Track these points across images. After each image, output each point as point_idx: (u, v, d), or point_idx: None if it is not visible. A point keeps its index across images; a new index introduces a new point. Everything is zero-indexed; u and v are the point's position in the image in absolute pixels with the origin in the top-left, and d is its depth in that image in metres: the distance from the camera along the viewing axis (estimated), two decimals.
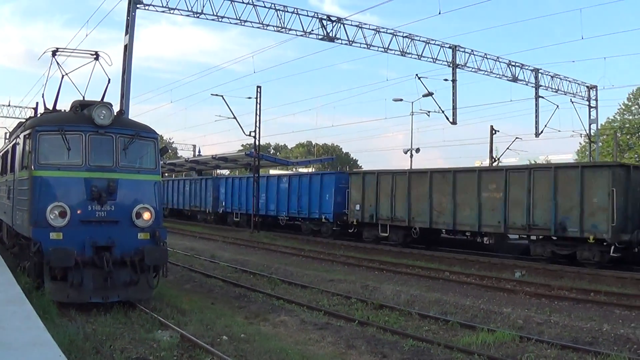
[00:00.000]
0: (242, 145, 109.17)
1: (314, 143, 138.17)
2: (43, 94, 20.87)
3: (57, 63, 18.92)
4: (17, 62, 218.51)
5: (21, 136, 17.30)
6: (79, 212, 15.70)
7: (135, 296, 16.18)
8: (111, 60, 19.18)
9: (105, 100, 17.73)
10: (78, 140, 16.00)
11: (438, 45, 42.87)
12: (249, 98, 50.49)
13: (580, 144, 78.73)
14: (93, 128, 16.11)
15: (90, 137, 16.08)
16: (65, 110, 18.28)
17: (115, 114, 16.61)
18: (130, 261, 15.72)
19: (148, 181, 16.98)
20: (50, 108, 19.42)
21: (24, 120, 21.19)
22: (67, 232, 15.32)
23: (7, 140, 19.52)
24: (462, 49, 43.96)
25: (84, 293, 15.24)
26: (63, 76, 18.89)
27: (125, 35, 31.39)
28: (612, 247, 24.93)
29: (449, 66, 43.47)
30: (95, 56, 19.05)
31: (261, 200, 48.95)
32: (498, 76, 46.42)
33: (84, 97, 18.45)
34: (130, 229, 16.21)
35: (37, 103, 22.08)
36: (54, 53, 18.94)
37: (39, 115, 20.21)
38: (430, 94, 45.60)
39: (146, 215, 16.46)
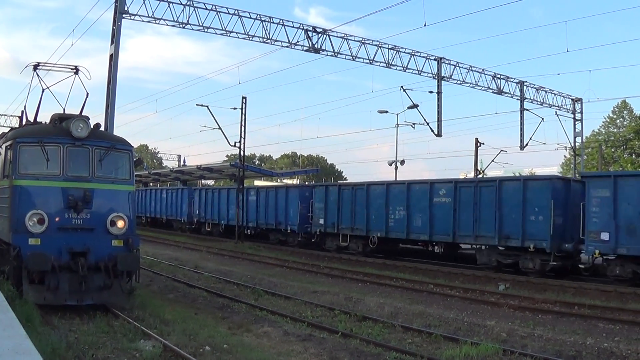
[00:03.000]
0: (227, 156, 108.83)
1: (298, 154, 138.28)
2: (25, 106, 21.83)
3: (39, 77, 19.90)
4: (3, 70, 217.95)
5: (2, 147, 18.18)
6: (56, 219, 16.57)
7: (109, 300, 16.92)
8: (90, 74, 19.88)
9: (88, 112, 18.43)
10: (56, 152, 16.95)
11: (423, 57, 42.99)
12: (234, 109, 50.61)
13: (565, 156, 79.31)
14: (70, 140, 17.09)
15: (68, 148, 17.04)
16: (45, 123, 19.30)
17: (92, 127, 17.64)
18: (104, 266, 16.58)
19: (122, 191, 17.93)
20: (32, 120, 20.55)
21: (5, 132, 21.71)
22: (44, 238, 16.15)
23: None
24: (447, 61, 44.09)
25: (60, 296, 16.04)
26: (43, 90, 19.81)
27: (111, 45, 31.35)
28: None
29: (434, 78, 43.60)
30: (75, 70, 19.94)
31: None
32: (483, 88, 46.59)
33: (64, 109, 19.51)
34: (105, 236, 17.07)
35: (22, 112, 22.76)
36: (35, 67, 19.88)
37: (20, 127, 21.14)
38: (415, 106, 45.72)
39: (120, 224, 17.32)
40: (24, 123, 21.69)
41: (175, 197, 62.13)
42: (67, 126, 17.22)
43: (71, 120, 17.28)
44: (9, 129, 23.56)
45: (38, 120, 20.40)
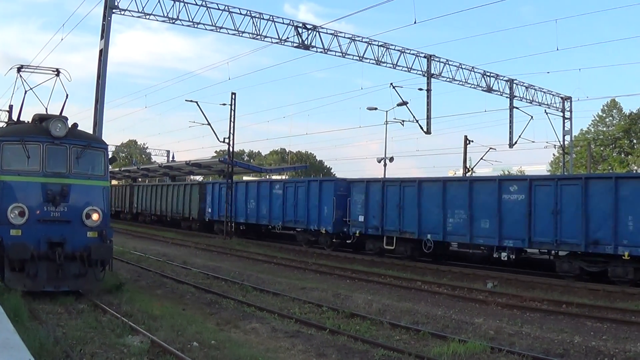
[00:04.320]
0: (216, 152, 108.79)
1: (287, 150, 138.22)
2: (10, 106, 24.02)
3: (22, 78, 21.70)
4: None
5: None
6: (37, 212, 18.03)
7: (84, 287, 18.63)
8: (70, 76, 21.67)
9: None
10: (36, 150, 18.44)
11: (413, 54, 43.02)
12: (224, 104, 50.41)
13: (554, 155, 79.25)
14: (49, 139, 18.59)
15: (47, 147, 18.56)
16: (28, 122, 21.12)
17: (69, 127, 19.18)
18: (79, 256, 18.02)
19: (97, 186, 19.53)
20: (15, 119, 22.71)
21: None
22: (25, 229, 17.66)
23: None
24: (437, 59, 44.13)
25: (39, 282, 17.49)
26: (26, 91, 21.72)
27: (101, 39, 31.29)
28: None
29: (424, 75, 43.61)
30: (56, 73, 21.60)
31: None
32: (473, 86, 46.66)
33: (46, 109, 21.40)
34: (81, 227, 18.56)
35: (10, 106, 24.86)
36: (19, 69, 21.68)
37: (7, 124, 23.23)
38: (404, 103, 45.65)
39: (95, 216, 18.83)
40: (8, 122, 23.75)
41: (305, 195, 41.23)
42: (47, 126, 18.71)
43: (50, 121, 18.78)
44: None
45: (21, 119, 22.28)
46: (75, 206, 18.63)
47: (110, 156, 21.15)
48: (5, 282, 17.18)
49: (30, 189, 18.26)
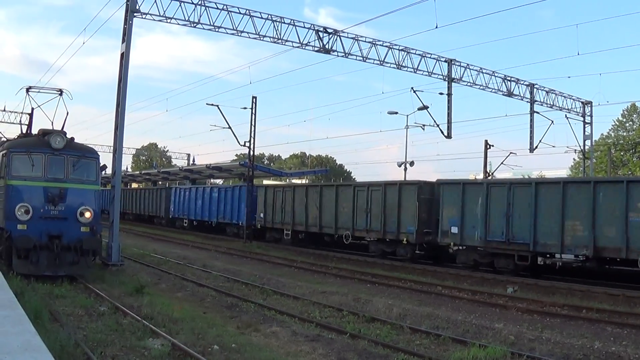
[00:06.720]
0: (237, 155, 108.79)
1: (308, 154, 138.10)
2: (31, 108, 27.80)
3: (30, 97, 26.25)
4: (13, 67, 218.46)
5: None
6: (40, 210, 21.92)
7: (77, 272, 22.38)
8: (72, 95, 26.55)
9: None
10: (39, 159, 22.48)
11: (434, 58, 42.80)
12: (244, 108, 50.49)
13: (574, 160, 78.92)
14: (50, 150, 22.58)
15: (48, 157, 22.57)
16: (35, 134, 25.19)
17: (67, 140, 23.06)
18: (74, 247, 21.91)
19: (90, 190, 23.45)
20: (24, 132, 27.72)
21: (4, 141, 28.66)
22: (29, 224, 21.60)
23: None
24: (457, 63, 43.88)
25: (40, 268, 21.28)
26: (33, 109, 26.90)
27: (122, 43, 31.33)
28: None
29: (445, 80, 43.40)
30: (59, 92, 26.21)
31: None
32: (493, 91, 46.34)
33: (52, 123, 25.90)
34: (75, 223, 22.44)
35: (32, 109, 28.10)
36: (27, 90, 26.21)
37: (14, 139, 26.74)
38: (425, 107, 45.43)
39: (87, 214, 22.71)
40: (17, 135, 28.24)
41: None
42: (49, 139, 22.58)
43: (51, 135, 22.75)
44: (5, 140, 29.68)
45: (30, 132, 27.24)
46: (71, 206, 22.50)
47: (101, 164, 24.77)
48: (13, 267, 20.71)
49: (34, 192, 22.13)
